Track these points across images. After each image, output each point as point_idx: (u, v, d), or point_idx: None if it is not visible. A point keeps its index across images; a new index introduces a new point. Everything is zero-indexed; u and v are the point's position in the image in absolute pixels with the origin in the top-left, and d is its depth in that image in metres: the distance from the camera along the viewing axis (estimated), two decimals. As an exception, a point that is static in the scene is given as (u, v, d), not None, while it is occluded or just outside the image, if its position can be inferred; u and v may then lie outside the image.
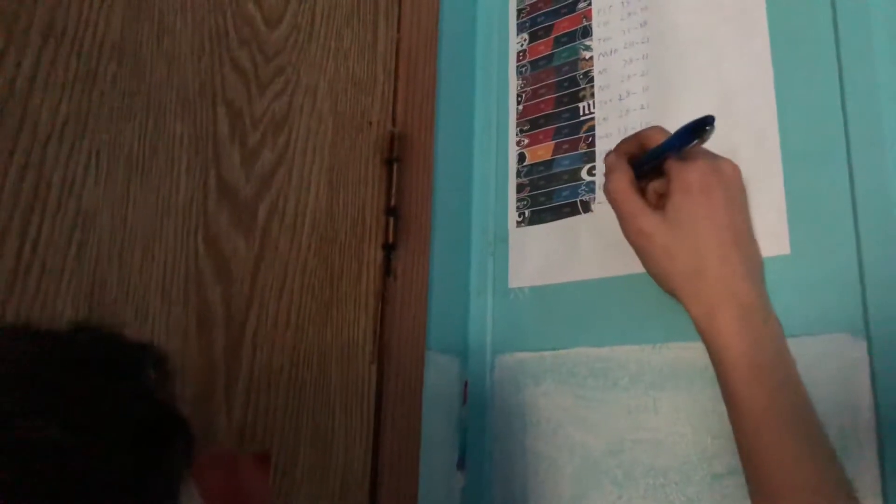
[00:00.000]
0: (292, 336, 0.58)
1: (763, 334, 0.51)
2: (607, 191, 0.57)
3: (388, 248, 0.67)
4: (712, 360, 0.52)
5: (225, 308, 0.54)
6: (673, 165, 0.54)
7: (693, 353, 0.61)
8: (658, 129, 0.57)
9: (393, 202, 0.67)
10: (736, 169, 0.55)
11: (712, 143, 0.61)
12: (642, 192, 0.58)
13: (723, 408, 0.58)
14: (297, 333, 0.59)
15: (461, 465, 0.73)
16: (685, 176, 0.54)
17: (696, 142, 0.53)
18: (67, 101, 0.47)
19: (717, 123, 0.62)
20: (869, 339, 0.53)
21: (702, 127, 0.51)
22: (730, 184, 0.54)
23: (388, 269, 0.66)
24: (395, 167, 0.68)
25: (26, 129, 0.45)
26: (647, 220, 0.54)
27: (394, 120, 0.70)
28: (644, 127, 0.67)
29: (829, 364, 0.54)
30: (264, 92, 0.59)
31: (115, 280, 0.48)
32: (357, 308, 0.64)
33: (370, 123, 0.67)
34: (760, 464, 0.49)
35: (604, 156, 0.59)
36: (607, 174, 0.57)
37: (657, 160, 0.56)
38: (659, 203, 0.56)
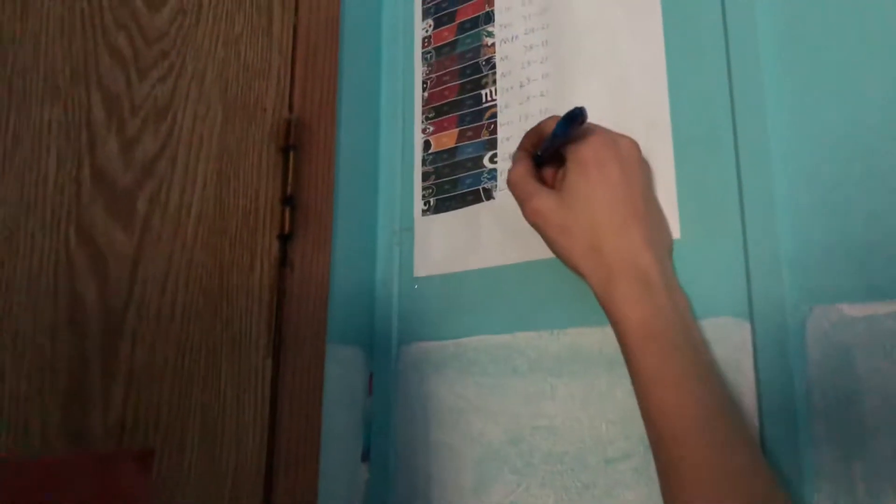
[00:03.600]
0: (177, 330, 0.56)
1: (662, 303, 0.51)
2: (507, 182, 0.58)
3: (284, 239, 0.65)
4: (613, 330, 0.52)
5: (100, 302, 0.52)
6: (569, 146, 0.55)
7: (590, 338, 0.61)
8: (556, 118, 0.57)
9: (290, 191, 0.66)
10: (633, 144, 0.56)
11: (609, 128, 0.61)
12: (547, 178, 0.59)
13: (617, 392, 0.59)
14: (182, 327, 0.57)
15: (366, 457, 0.72)
16: (579, 153, 0.54)
17: (576, 130, 0.53)
18: (-86, 85, 0.44)
19: (611, 108, 0.62)
20: (752, 320, 0.53)
21: (576, 118, 0.51)
22: (626, 158, 0.54)
23: (284, 260, 0.65)
24: (291, 155, 0.66)
25: None
26: (542, 200, 0.55)
27: (290, 107, 0.68)
28: (543, 114, 0.67)
29: (716, 347, 0.54)
30: (145, 77, 0.57)
31: (-28, 274, 0.46)
32: (250, 300, 0.62)
33: (264, 110, 0.66)
34: (659, 431, 0.49)
35: (509, 155, 0.60)
36: (510, 168, 0.58)
37: (553, 148, 0.56)
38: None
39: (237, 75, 0.64)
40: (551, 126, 0.56)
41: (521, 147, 0.60)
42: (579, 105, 0.50)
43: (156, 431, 0.54)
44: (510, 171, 0.58)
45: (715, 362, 0.53)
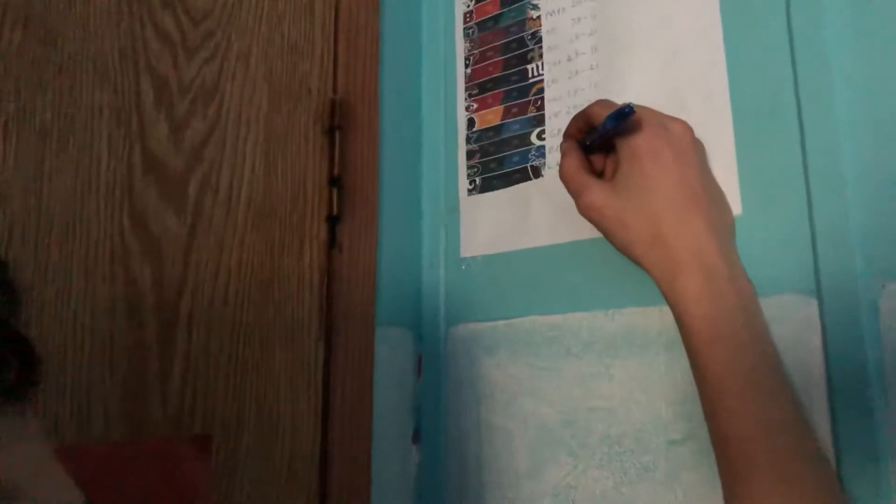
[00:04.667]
0: (231, 315, 0.56)
1: (728, 296, 0.49)
2: (560, 175, 0.57)
3: (333, 221, 0.64)
4: (677, 324, 0.51)
5: (156, 288, 0.51)
6: (619, 136, 0.53)
7: (646, 318, 0.60)
8: (603, 103, 0.56)
9: (336, 172, 0.65)
10: (686, 127, 0.54)
11: (664, 102, 0.59)
12: (597, 165, 0.58)
13: (677, 374, 0.58)
14: (236, 312, 0.56)
15: (416, 439, 0.71)
16: (631, 143, 0.53)
17: (625, 123, 0.52)
18: (-33, 71, 0.44)
19: (666, 80, 0.60)
20: (820, 298, 0.52)
21: (626, 115, 0.50)
22: (679, 143, 0.53)
23: (332, 243, 0.64)
24: (337, 136, 0.65)
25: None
26: (596, 193, 0.54)
27: (335, 87, 0.67)
28: (593, 88, 0.65)
29: (781, 325, 0.53)
30: (192, 58, 0.56)
31: (30, 261, 0.45)
32: (301, 284, 0.61)
33: (309, 91, 0.64)
34: (723, 426, 0.48)
35: (558, 131, 0.59)
36: (560, 159, 0.57)
37: (603, 139, 0.55)
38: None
39: (282, 55, 0.63)
40: (598, 113, 0.55)
41: (567, 134, 0.59)
42: (627, 101, 0.50)
43: (213, 417, 0.54)
44: (561, 164, 0.57)
45: (778, 355, 0.51)
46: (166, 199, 0.53)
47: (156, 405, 0.51)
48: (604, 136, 0.54)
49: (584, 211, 0.55)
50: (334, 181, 0.65)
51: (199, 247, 0.54)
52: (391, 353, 0.70)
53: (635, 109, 0.50)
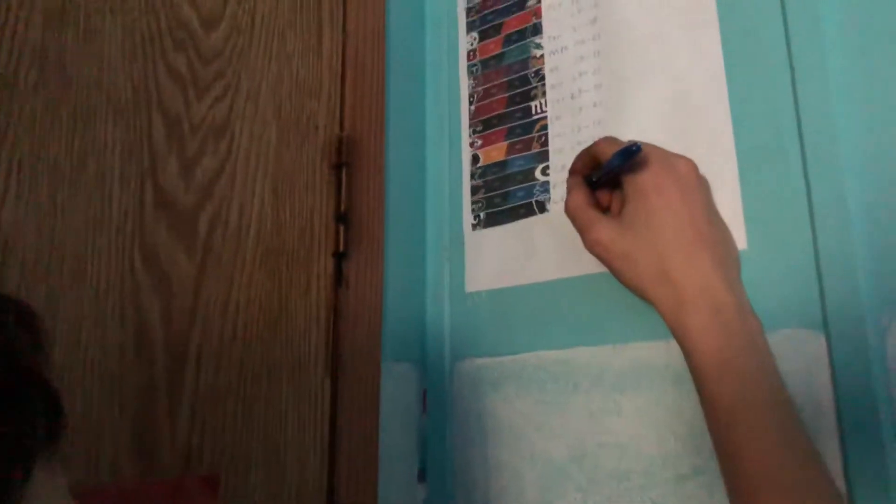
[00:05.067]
0: (239, 352, 0.56)
1: (735, 331, 0.50)
2: (566, 211, 0.58)
3: (339, 257, 0.64)
4: (685, 359, 0.51)
5: (165, 324, 0.51)
6: (626, 173, 0.54)
7: (654, 352, 0.60)
8: (609, 140, 0.57)
9: (343, 208, 0.65)
10: (691, 165, 0.55)
11: (668, 140, 0.60)
12: (603, 201, 0.59)
13: (686, 408, 0.58)
14: (244, 349, 0.56)
15: (422, 476, 0.71)
16: (638, 180, 0.54)
17: (631, 160, 0.53)
18: (-16, 110, 0.44)
19: (669, 119, 0.61)
20: (827, 333, 0.52)
21: (632, 154, 0.51)
22: (685, 181, 0.53)
23: (339, 279, 0.64)
24: (344, 172, 0.66)
25: (-62, 141, 0.42)
26: (603, 230, 0.54)
27: (342, 124, 0.67)
28: (597, 125, 0.66)
29: (789, 360, 0.53)
30: (203, 97, 0.56)
31: (42, 300, 0.45)
32: (308, 320, 0.61)
33: (316, 128, 0.65)
34: (734, 461, 0.48)
35: (562, 167, 0.60)
36: (566, 195, 0.58)
37: (609, 176, 0.56)
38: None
39: (290, 94, 0.63)
40: (604, 150, 0.56)
41: (573, 171, 0.60)
42: (634, 140, 0.51)
43: (221, 454, 0.53)
44: (567, 200, 0.58)
45: (786, 390, 0.51)
46: (177, 235, 0.53)
47: (165, 444, 0.50)
48: (610, 172, 0.55)
49: (591, 246, 0.56)
50: (341, 217, 0.65)
51: (209, 283, 0.54)
52: (396, 388, 0.70)
53: (641, 147, 0.51)
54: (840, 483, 0.50)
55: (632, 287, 0.54)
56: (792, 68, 0.56)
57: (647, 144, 0.55)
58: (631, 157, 0.51)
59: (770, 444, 0.46)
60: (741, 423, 0.47)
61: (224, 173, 0.57)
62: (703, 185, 0.55)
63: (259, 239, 0.59)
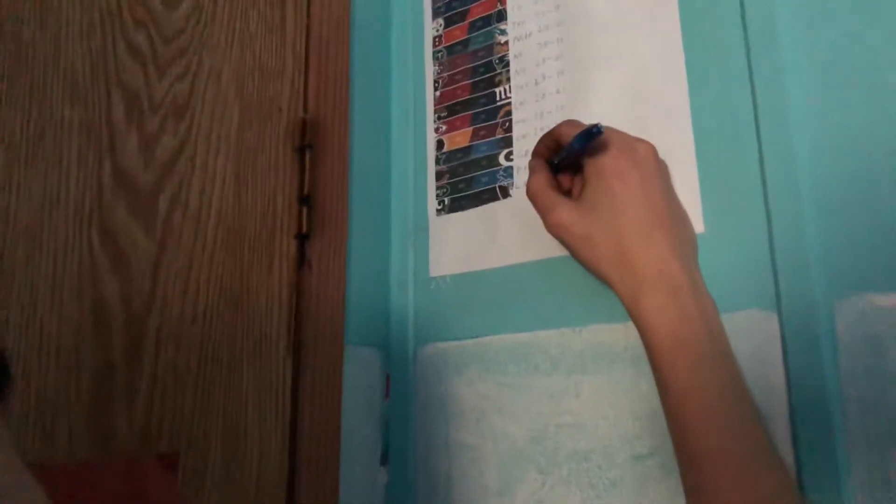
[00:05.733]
0: (199, 332, 0.55)
1: (690, 312, 0.51)
2: (527, 193, 0.58)
3: (302, 238, 0.64)
4: (642, 340, 0.52)
5: (124, 304, 0.51)
6: (587, 156, 0.55)
7: (613, 335, 0.61)
8: (571, 123, 0.57)
9: (306, 190, 0.65)
10: (650, 148, 0.55)
11: (627, 125, 0.61)
12: (564, 184, 0.59)
13: (643, 388, 0.59)
14: (204, 329, 0.56)
15: (384, 460, 0.71)
16: (598, 163, 0.54)
17: (592, 143, 0.53)
18: (-64, 83, 0.44)
19: (629, 103, 0.62)
20: (780, 313, 0.53)
21: (592, 136, 0.52)
22: (644, 164, 0.54)
23: (302, 260, 0.64)
24: (307, 155, 0.66)
25: None
26: (563, 212, 0.55)
27: (305, 106, 0.67)
28: (559, 110, 0.67)
29: (743, 339, 0.54)
30: (163, 75, 0.56)
31: (-4, 275, 0.45)
32: (270, 301, 0.61)
33: (280, 109, 0.65)
34: (685, 440, 0.49)
35: (526, 152, 0.60)
36: (528, 177, 0.59)
37: (570, 159, 0.56)
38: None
39: (252, 74, 0.63)
40: (566, 133, 0.56)
41: (535, 153, 0.60)
42: (595, 122, 0.52)
43: (179, 434, 0.53)
44: (529, 182, 0.58)
45: (739, 369, 0.53)
46: (135, 214, 0.53)
47: (122, 422, 0.50)
48: (571, 155, 0.55)
49: (552, 229, 0.56)
50: (304, 199, 0.65)
51: (169, 263, 0.54)
52: (359, 372, 0.70)
53: (602, 129, 0.52)
54: (789, 460, 0.51)
55: (591, 269, 0.55)
56: (748, 53, 0.57)
57: (607, 128, 0.55)
58: (591, 139, 0.52)
59: (721, 423, 0.47)
60: (693, 403, 0.48)
61: (184, 152, 0.56)
62: (662, 169, 0.56)
63: (220, 219, 0.58)
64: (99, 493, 0.47)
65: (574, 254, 0.56)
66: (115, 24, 0.53)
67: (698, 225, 0.58)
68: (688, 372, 0.49)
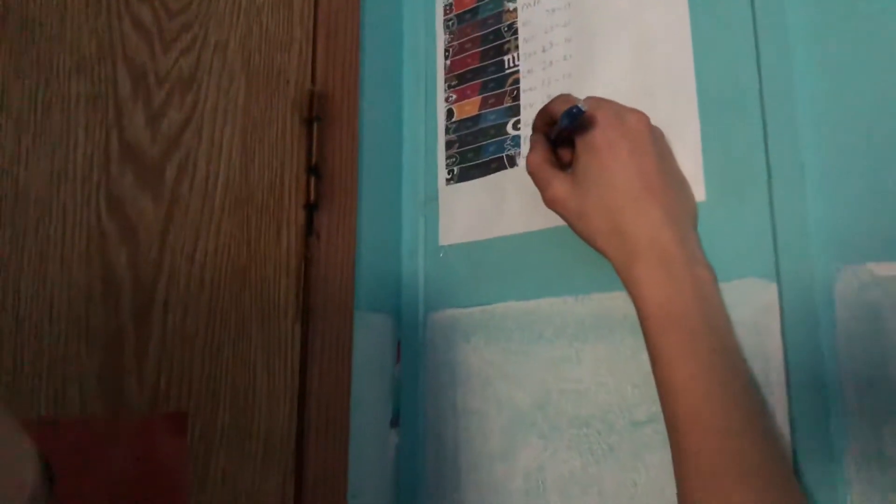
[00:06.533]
0: (207, 299, 0.58)
1: (682, 282, 0.51)
2: (526, 168, 0.59)
3: (311, 208, 0.66)
4: (636, 311, 0.52)
5: (132, 271, 0.53)
6: (578, 130, 0.55)
7: (614, 303, 0.61)
8: (563, 98, 0.57)
9: (314, 161, 0.66)
10: (642, 117, 0.55)
11: (633, 93, 0.60)
12: (564, 158, 0.60)
13: (642, 357, 0.59)
14: (212, 296, 0.58)
15: (395, 422, 0.73)
16: (587, 137, 0.54)
17: (580, 119, 0.53)
18: (-54, 60, 0.46)
19: (635, 71, 0.62)
20: (779, 283, 0.53)
21: (574, 115, 0.51)
22: (635, 134, 0.54)
23: (310, 230, 0.66)
24: (315, 126, 0.67)
25: None
26: (559, 187, 0.55)
27: (313, 78, 0.68)
28: (566, 78, 0.67)
29: (741, 309, 0.54)
30: (169, 49, 0.57)
31: (7, 244, 0.47)
32: (278, 269, 0.63)
33: (287, 82, 0.66)
34: (672, 406, 0.49)
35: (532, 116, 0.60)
36: (528, 153, 0.59)
37: (563, 134, 0.56)
38: None
39: (259, 47, 0.64)
40: (558, 108, 0.56)
41: (535, 128, 0.61)
42: (583, 99, 0.52)
43: (189, 396, 0.56)
44: (528, 158, 0.59)
45: (735, 339, 0.52)
46: (143, 184, 0.55)
47: (132, 384, 0.52)
48: (563, 131, 0.55)
49: (549, 203, 0.57)
50: (312, 170, 0.66)
51: (176, 231, 0.56)
52: (371, 338, 0.72)
53: (588, 106, 0.52)
54: (785, 428, 0.51)
55: (587, 241, 0.55)
56: (755, 23, 0.56)
57: (598, 99, 0.55)
58: (575, 118, 0.52)
59: (707, 390, 0.47)
60: (680, 371, 0.48)
61: (191, 125, 0.58)
62: (656, 138, 0.56)
63: (227, 189, 0.60)
64: (109, 450, 0.49)
65: (571, 227, 0.56)
66: (119, 0, 0.54)
67: (700, 193, 0.57)
68: (676, 341, 0.49)
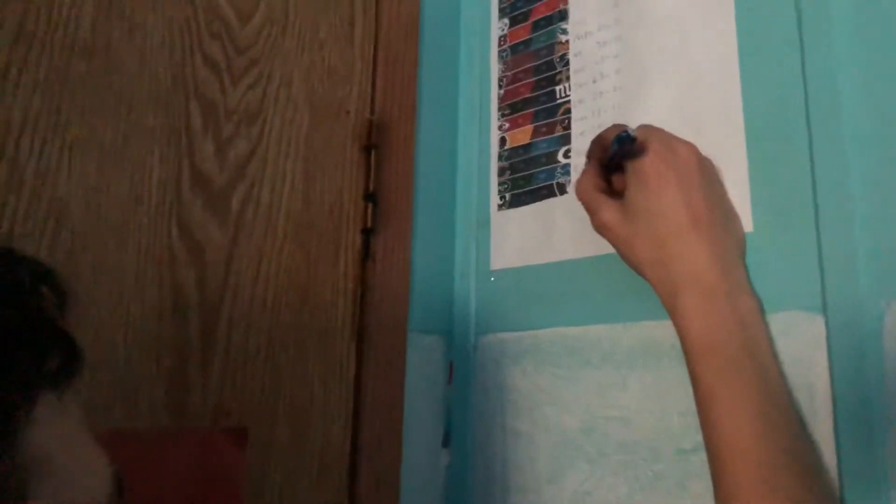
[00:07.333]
0: (269, 319, 0.61)
1: (724, 312, 0.51)
2: (576, 193, 0.60)
3: (367, 233, 0.69)
4: (679, 341, 0.53)
5: (199, 291, 0.57)
6: (629, 157, 0.56)
7: (661, 331, 0.62)
8: (615, 126, 0.59)
9: (371, 188, 0.69)
10: (691, 149, 0.56)
11: (680, 123, 0.61)
12: (617, 185, 0.60)
13: (687, 385, 0.59)
14: (273, 316, 0.61)
15: (446, 442, 0.75)
16: (637, 166, 0.55)
17: (631, 146, 0.55)
18: (39, 98, 0.50)
19: (684, 102, 0.63)
20: (826, 315, 0.53)
21: (625, 141, 0.53)
22: (684, 165, 0.55)
23: (367, 253, 0.68)
24: (373, 154, 0.70)
25: (-1, 125, 0.48)
26: (608, 213, 0.57)
27: (372, 108, 0.71)
28: (616, 109, 0.68)
29: (788, 341, 0.54)
30: (237, 84, 0.61)
31: (89, 265, 0.51)
32: (335, 291, 0.66)
33: (347, 112, 0.69)
34: (711, 437, 0.50)
35: (584, 149, 0.62)
36: (579, 178, 0.61)
37: (616, 159, 0.58)
38: None
39: (322, 80, 0.68)
40: (609, 136, 0.58)
41: (588, 155, 0.62)
42: (635, 127, 0.54)
43: (249, 412, 0.59)
44: (577, 183, 0.60)
45: (779, 369, 0.53)
46: (211, 210, 0.58)
47: (197, 397, 0.56)
48: (614, 158, 0.57)
49: (598, 229, 0.58)
50: (369, 196, 0.69)
51: (241, 255, 0.60)
52: (424, 359, 0.74)
53: (638, 134, 0.53)
54: (832, 463, 0.51)
55: (634, 268, 0.56)
56: (802, 56, 0.57)
57: (650, 128, 0.56)
58: (624, 144, 0.53)
59: (746, 420, 0.48)
60: (720, 403, 0.49)
61: (256, 155, 0.62)
62: (705, 169, 0.56)
63: (289, 215, 0.63)
64: (172, 461, 0.53)
65: (619, 254, 0.57)
66: (193, 38, 0.58)
67: (748, 224, 0.58)
68: (716, 370, 0.49)
